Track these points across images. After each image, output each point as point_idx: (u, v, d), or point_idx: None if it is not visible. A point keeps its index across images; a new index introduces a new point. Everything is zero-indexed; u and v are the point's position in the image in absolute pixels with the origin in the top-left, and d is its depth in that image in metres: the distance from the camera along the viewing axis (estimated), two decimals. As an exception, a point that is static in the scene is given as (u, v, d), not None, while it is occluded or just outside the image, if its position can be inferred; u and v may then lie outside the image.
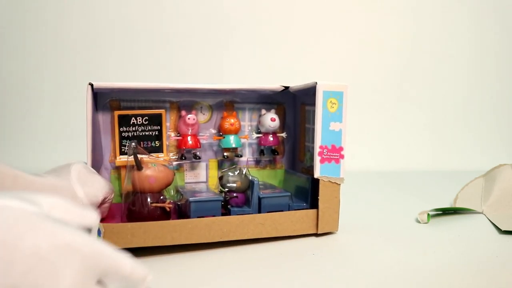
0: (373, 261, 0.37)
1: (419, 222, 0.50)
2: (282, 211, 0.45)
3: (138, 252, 0.38)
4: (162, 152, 0.50)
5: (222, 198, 0.44)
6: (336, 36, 1.08)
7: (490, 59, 1.13)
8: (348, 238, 0.44)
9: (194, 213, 0.42)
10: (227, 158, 0.53)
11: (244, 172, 0.46)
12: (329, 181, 0.45)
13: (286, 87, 0.52)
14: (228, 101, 0.54)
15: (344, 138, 0.45)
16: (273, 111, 0.54)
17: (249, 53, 1.05)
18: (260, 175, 0.55)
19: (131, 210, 0.41)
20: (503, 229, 0.46)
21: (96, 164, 0.45)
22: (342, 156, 0.45)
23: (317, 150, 0.44)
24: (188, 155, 0.52)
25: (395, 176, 0.89)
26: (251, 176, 0.46)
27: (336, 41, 1.08)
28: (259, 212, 0.45)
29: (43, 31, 1.01)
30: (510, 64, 1.13)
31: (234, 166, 0.48)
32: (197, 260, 0.37)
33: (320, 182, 0.44)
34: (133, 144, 0.43)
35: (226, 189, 0.45)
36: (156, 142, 0.49)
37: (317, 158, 0.44)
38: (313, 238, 0.44)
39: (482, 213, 0.54)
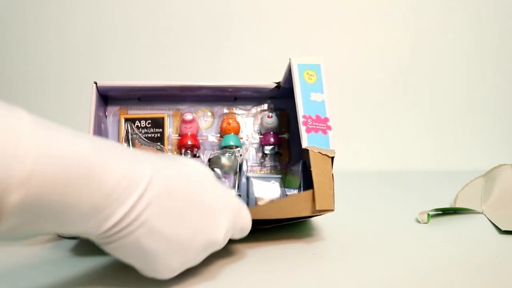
0: (373, 261, 0.37)
1: (419, 222, 0.51)
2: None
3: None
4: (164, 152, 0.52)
5: None
6: (335, 36, 1.09)
7: (490, 59, 1.13)
8: (347, 238, 0.44)
9: None
10: None
11: (234, 154, 0.46)
12: (320, 152, 0.41)
13: (278, 83, 0.52)
14: (229, 107, 0.55)
15: (329, 109, 0.43)
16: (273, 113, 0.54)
17: (250, 53, 1.05)
18: None
19: None
20: (503, 229, 0.46)
21: None
22: (329, 127, 0.43)
23: (301, 119, 0.42)
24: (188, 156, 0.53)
25: (395, 176, 0.89)
26: (241, 158, 0.46)
27: (336, 40, 1.09)
28: (247, 193, 0.43)
29: (46, 30, 1.01)
30: (511, 64, 1.13)
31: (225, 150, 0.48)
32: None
33: (310, 153, 0.41)
34: (129, 124, 0.45)
35: (214, 170, 0.45)
36: (158, 143, 0.51)
37: (302, 128, 0.42)
38: (312, 238, 0.44)
39: (482, 213, 0.55)
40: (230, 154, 0.46)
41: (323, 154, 0.41)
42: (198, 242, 0.29)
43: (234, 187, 0.45)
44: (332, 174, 0.41)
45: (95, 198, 0.24)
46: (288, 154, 0.55)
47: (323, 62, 0.45)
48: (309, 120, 0.42)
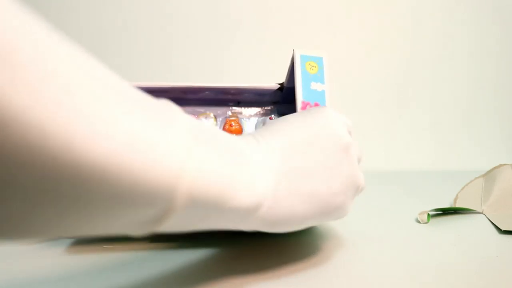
0: (372, 260, 0.37)
1: (419, 222, 0.51)
2: None
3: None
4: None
5: None
6: (336, 36, 1.09)
7: (490, 59, 1.13)
8: (347, 238, 0.44)
9: None
10: None
11: None
12: None
13: (281, 84, 0.52)
14: (231, 110, 0.55)
15: (329, 98, 0.44)
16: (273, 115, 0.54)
17: (251, 55, 1.05)
18: None
19: None
20: (503, 229, 0.46)
21: None
22: None
23: (299, 105, 0.42)
24: None
25: (395, 176, 0.89)
26: None
27: (337, 40, 1.09)
28: None
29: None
30: (511, 64, 1.13)
31: None
32: (191, 258, 0.37)
33: None
34: None
35: None
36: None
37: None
38: (312, 238, 0.44)
39: (482, 213, 0.54)
40: None
41: None
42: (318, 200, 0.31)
43: None
44: None
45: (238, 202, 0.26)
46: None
47: (326, 56, 0.45)
48: (307, 106, 0.42)
